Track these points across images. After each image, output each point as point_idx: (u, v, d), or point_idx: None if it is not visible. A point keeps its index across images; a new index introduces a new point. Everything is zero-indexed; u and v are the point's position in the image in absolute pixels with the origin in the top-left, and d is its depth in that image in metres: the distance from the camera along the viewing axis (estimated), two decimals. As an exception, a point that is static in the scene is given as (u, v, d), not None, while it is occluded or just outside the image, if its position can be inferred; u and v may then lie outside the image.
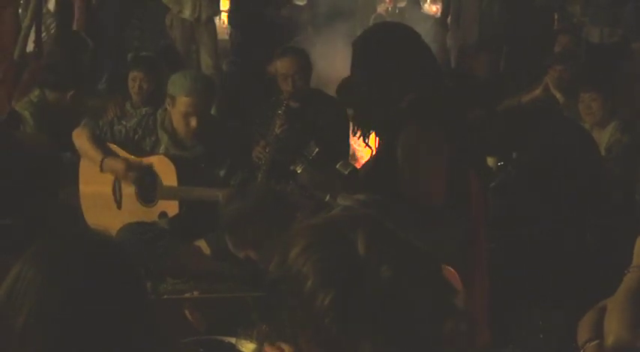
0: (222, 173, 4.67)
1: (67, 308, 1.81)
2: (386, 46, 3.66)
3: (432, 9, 13.72)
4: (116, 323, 1.83)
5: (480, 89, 7.67)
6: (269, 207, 3.62)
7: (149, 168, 4.80)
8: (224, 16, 11.43)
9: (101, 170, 4.83)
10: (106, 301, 1.83)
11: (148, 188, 4.83)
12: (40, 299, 1.81)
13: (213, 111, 5.24)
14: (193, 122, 4.70)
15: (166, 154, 4.79)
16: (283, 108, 5.64)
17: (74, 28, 8.78)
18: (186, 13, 9.16)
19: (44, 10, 8.36)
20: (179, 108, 4.71)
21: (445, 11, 10.43)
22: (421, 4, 13.86)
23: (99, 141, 4.88)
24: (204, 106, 4.74)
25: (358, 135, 3.76)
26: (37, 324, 1.80)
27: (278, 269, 1.73)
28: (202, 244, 4.59)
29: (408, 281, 1.64)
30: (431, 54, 3.74)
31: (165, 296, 3.99)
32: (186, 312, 3.38)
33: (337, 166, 3.77)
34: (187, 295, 4.00)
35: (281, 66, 5.97)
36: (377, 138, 3.75)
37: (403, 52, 3.63)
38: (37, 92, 6.20)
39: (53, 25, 8.84)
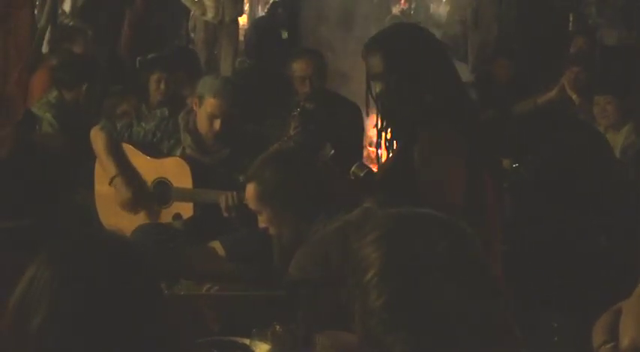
0: (242, 178, 4.67)
1: (82, 309, 1.81)
2: (399, 48, 3.65)
3: (447, 9, 13.70)
4: (131, 323, 1.83)
5: (497, 91, 7.66)
6: (310, 175, 3.57)
7: (161, 183, 4.82)
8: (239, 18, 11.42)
9: (109, 184, 4.85)
10: (121, 301, 1.83)
11: (162, 189, 4.84)
12: (55, 300, 1.81)
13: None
14: (217, 124, 4.70)
15: (184, 156, 4.80)
16: (298, 109, 5.64)
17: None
18: (209, 16, 9.15)
19: (59, 11, 8.37)
20: (206, 108, 4.71)
21: (461, 12, 10.41)
22: (436, 5, 13.84)
23: (115, 152, 4.87)
24: (230, 110, 4.72)
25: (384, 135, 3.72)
26: (53, 326, 1.80)
27: (341, 259, 1.72)
28: (217, 245, 4.59)
29: (466, 296, 1.63)
30: (446, 55, 3.73)
31: (182, 293, 3.99)
32: (200, 311, 3.38)
33: (353, 168, 3.76)
34: (204, 290, 3.99)
35: (297, 68, 5.97)
36: (394, 140, 3.74)
37: (417, 54, 3.62)
38: (54, 93, 6.21)
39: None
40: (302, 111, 5.67)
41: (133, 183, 4.83)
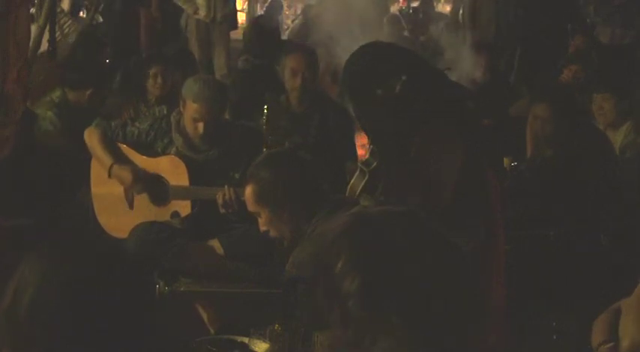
0: (237, 175, 4.67)
1: (75, 309, 1.79)
2: (370, 73, 3.59)
3: (446, 8, 13.73)
4: (123, 323, 1.82)
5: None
6: (306, 174, 3.57)
7: (157, 176, 4.82)
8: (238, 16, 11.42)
9: (109, 176, 4.86)
10: (115, 301, 1.82)
11: (160, 188, 4.84)
12: (46, 301, 1.80)
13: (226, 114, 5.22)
14: (200, 128, 4.74)
15: (178, 155, 4.81)
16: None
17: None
18: (201, 14, 9.14)
19: (58, 10, 8.36)
20: (188, 112, 4.76)
21: (456, 10, 10.40)
22: (435, 3, 13.85)
23: (109, 145, 4.90)
24: (212, 113, 4.76)
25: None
26: (44, 328, 1.79)
27: (312, 262, 1.76)
28: (215, 244, 4.60)
29: (441, 277, 1.66)
30: (424, 64, 3.67)
31: (182, 289, 3.99)
32: (200, 309, 3.38)
33: (359, 165, 3.75)
34: (200, 287, 4.00)
35: (291, 61, 5.97)
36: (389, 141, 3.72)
37: (396, 73, 3.54)
38: (58, 92, 6.19)
39: (67, 24, 8.84)
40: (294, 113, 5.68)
41: (131, 166, 4.84)
